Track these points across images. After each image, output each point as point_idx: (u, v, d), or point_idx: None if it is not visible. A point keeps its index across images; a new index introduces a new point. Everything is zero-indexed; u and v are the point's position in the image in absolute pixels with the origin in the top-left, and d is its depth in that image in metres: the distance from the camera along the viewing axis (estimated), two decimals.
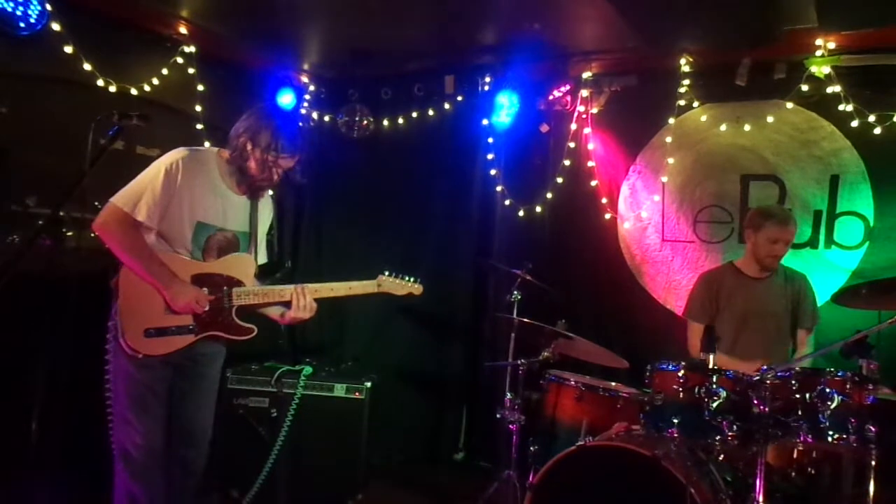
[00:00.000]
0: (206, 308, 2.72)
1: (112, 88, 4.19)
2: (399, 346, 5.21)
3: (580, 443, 2.93)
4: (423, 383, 5.14)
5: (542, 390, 3.67)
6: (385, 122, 5.34)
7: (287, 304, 2.86)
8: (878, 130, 4.03)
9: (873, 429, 2.68)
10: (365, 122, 5.33)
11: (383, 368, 4.60)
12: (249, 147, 2.75)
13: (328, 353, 5.04)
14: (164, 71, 4.46)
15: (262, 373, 3.98)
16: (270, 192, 3.02)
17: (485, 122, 5.05)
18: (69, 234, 3.59)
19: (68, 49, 3.97)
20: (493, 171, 5.08)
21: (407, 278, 3.03)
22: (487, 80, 4.98)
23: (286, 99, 5.13)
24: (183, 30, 4.47)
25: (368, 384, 3.98)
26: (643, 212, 4.79)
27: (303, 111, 5.31)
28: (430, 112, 5.19)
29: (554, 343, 3.59)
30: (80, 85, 4.06)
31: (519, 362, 3.65)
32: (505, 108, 4.97)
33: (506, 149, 5.09)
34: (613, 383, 3.65)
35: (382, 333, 5.23)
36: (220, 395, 3.12)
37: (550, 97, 4.93)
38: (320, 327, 5.13)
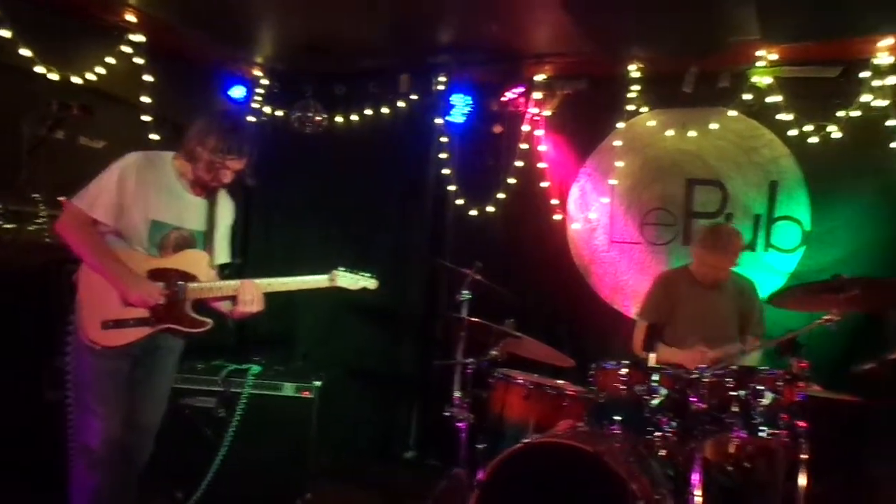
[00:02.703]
0: (161, 301, 2.80)
1: (53, 76, 4.05)
2: (350, 345, 5.20)
3: (526, 440, 2.98)
4: (374, 381, 5.14)
5: (490, 388, 3.71)
6: (339, 119, 5.32)
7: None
8: (814, 139, 4.20)
9: (803, 424, 2.82)
10: (318, 118, 5.29)
11: (334, 366, 4.57)
12: (199, 150, 2.84)
13: (278, 350, 4.99)
14: (110, 60, 4.33)
15: (208, 371, 3.92)
16: (226, 192, 3.08)
17: (439, 121, 5.07)
18: (7, 226, 3.48)
19: (5, 33, 3.81)
20: (446, 171, 5.10)
21: (361, 273, 3.07)
22: (442, 79, 4.99)
23: (237, 93, 5.07)
24: (130, 17, 4.34)
25: (318, 383, 3.96)
26: (592, 213, 4.89)
27: (255, 105, 5.25)
28: (385, 110, 5.19)
29: (502, 342, 3.64)
30: (18, 71, 3.89)
31: (468, 361, 3.69)
32: (459, 108, 5.00)
33: (459, 149, 5.12)
34: (560, 381, 3.71)
35: (333, 331, 5.21)
36: None
37: (504, 98, 4.98)
38: (270, 325, 5.07)
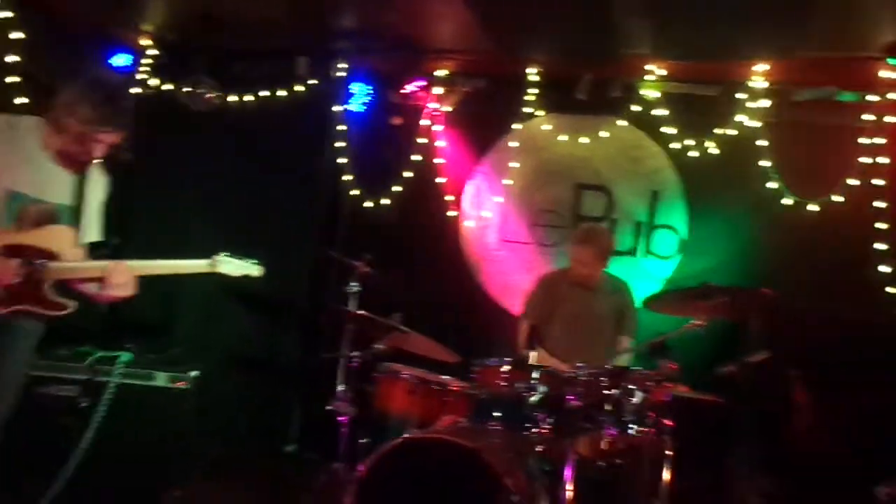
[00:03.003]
0: (16, 279, 2.56)
1: None
2: (232, 334, 5.00)
3: (406, 435, 2.98)
4: (257, 373, 4.97)
5: (375, 383, 3.68)
6: (232, 98, 5.07)
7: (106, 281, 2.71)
8: (694, 153, 4.44)
9: (670, 423, 2.98)
10: (210, 95, 5.02)
11: (213, 356, 4.42)
12: (68, 119, 2.63)
13: (153, 338, 4.72)
14: None
15: (72, 358, 3.65)
16: (101, 167, 2.86)
17: (337, 108, 4.98)
18: None
19: None
20: (342, 160, 5.02)
21: (245, 260, 2.94)
22: (342, 66, 4.89)
23: (121, 61, 4.75)
24: None
25: (194, 373, 3.79)
26: (485, 211, 4.96)
27: (140, 77, 4.92)
28: (281, 93, 5.00)
29: (388, 336, 3.62)
30: None
31: (353, 354, 3.64)
32: (358, 97, 4.93)
33: (356, 138, 5.05)
34: (446, 377, 3.72)
35: (214, 320, 4.99)
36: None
37: (404, 91, 4.95)
38: (146, 310, 4.79)
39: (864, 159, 4.05)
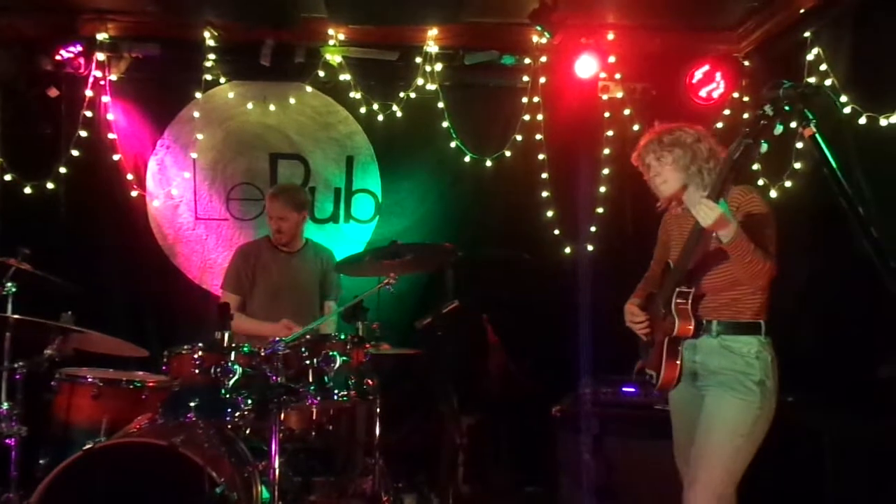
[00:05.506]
0: None
1: None
2: None
3: (87, 446, 2.64)
4: None
5: (54, 392, 3.22)
6: None
7: None
8: (380, 117, 4.55)
9: (370, 382, 3.05)
10: None
11: None
12: None
13: None
14: None
15: None
16: None
17: None
18: None
19: None
20: None
21: None
22: None
23: None
24: None
25: None
26: (174, 189, 4.59)
27: None
28: None
29: (59, 339, 3.17)
30: None
31: (16, 365, 3.12)
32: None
33: (3, 115, 4.33)
34: (140, 373, 3.39)
35: None
36: None
37: (58, 57, 4.29)
38: None
39: (526, 117, 4.50)
